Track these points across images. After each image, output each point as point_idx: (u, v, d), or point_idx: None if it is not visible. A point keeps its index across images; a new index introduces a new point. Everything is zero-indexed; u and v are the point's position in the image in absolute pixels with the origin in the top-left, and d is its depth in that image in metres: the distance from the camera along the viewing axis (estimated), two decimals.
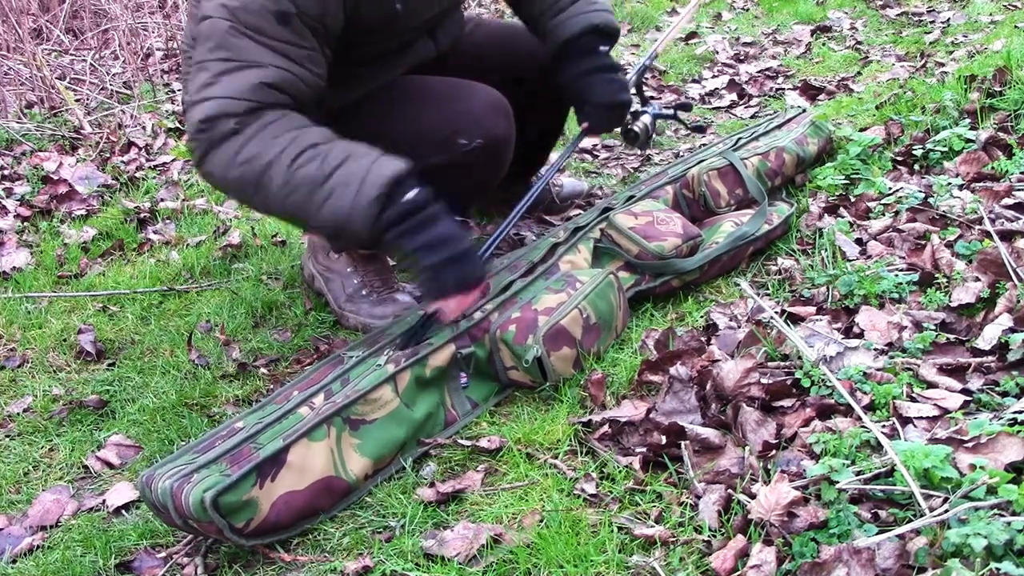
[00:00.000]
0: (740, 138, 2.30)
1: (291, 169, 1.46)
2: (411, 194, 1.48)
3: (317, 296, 2.06)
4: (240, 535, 1.28)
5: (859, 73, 3.24)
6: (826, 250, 1.83)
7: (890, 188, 2.09)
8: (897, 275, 1.66)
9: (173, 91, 3.65)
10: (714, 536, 1.18)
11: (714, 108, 3.24)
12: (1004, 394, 1.30)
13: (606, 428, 1.45)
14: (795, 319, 1.60)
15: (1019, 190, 1.89)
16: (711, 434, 1.33)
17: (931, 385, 1.35)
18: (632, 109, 2.09)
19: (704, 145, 2.60)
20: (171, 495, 1.26)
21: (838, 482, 1.13)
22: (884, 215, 1.98)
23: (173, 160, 3.07)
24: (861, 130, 2.43)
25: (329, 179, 1.46)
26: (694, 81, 3.50)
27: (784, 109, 2.64)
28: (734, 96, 3.30)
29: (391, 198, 1.46)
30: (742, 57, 3.75)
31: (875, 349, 1.45)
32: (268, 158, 1.47)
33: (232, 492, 1.26)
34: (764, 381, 1.40)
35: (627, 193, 2.06)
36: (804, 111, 2.53)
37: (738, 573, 1.09)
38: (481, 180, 1.85)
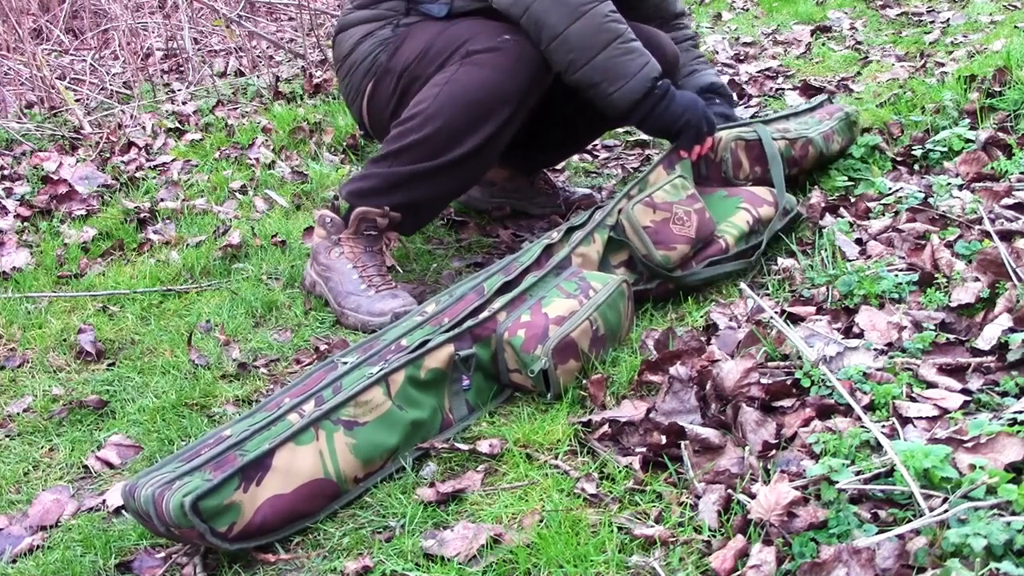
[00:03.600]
0: (769, 114, 2.27)
1: (605, 19, 1.88)
2: (661, 82, 1.94)
3: (317, 300, 2.06)
4: (223, 539, 1.27)
5: (859, 73, 3.24)
6: (826, 250, 1.83)
7: (890, 188, 2.09)
8: (897, 275, 1.66)
9: (173, 91, 3.65)
10: (714, 536, 1.18)
11: None
12: (1004, 394, 1.30)
13: (606, 428, 1.45)
14: (795, 319, 1.60)
15: (1019, 190, 1.89)
16: (711, 434, 1.33)
17: (931, 385, 1.35)
18: None
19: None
20: (153, 502, 1.25)
21: (838, 482, 1.13)
22: (884, 215, 1.98)
23: (173, 160, 3.07)
24: (865, 131, 2.43)
25: (628, 43, 1.89)
26: None
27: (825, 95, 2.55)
28: (734, 96, 3.29)
29: (656, 80, 1.93)
30: (742, 57, 3.75)
31: (875, 349, 1.45)
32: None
33: (213, 496, 1.25)
34: (764, 381, 1.40)
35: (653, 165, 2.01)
36: (833, 99, 2.49)
37: (738, 573, 1.09)
38: (512, 83, 1.91)
